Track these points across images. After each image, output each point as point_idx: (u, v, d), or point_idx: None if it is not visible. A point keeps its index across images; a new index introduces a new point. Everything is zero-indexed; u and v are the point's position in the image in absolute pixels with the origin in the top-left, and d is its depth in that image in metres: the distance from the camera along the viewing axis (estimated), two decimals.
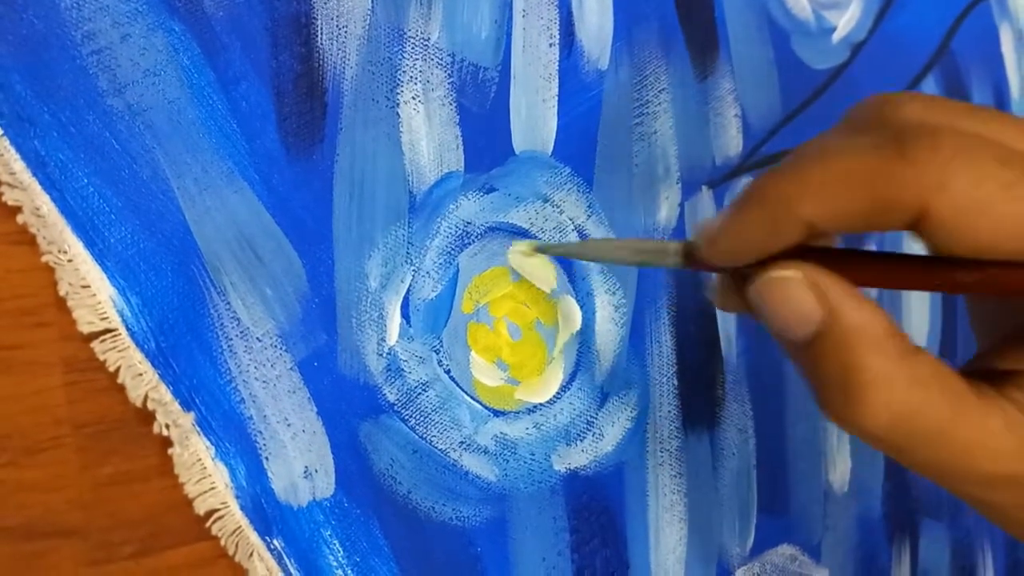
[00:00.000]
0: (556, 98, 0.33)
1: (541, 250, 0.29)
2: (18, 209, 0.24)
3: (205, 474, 0.26)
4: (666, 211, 0.35)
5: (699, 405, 0.35)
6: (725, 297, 0.25)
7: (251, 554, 0.26)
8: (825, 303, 0.21)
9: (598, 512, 0.32)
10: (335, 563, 0.28)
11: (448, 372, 0.30)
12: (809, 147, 0.22)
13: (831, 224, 0.21)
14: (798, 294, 0.21)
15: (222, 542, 0.26)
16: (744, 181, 0.37)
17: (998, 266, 0.20)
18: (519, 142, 0.32)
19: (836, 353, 0.21)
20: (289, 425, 0.27)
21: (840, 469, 0.38)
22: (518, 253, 0.30)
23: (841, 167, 0.20)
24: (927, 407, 0.21)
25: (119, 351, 0.25)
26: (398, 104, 0.29)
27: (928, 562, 0.41)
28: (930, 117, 0.21)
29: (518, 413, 0.31)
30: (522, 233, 0.32)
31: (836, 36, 0.41)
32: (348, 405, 0.28)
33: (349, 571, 0.28)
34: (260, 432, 0.27)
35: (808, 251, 0.22)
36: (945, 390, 0.21)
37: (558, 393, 0.32)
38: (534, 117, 0.32)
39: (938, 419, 0.21)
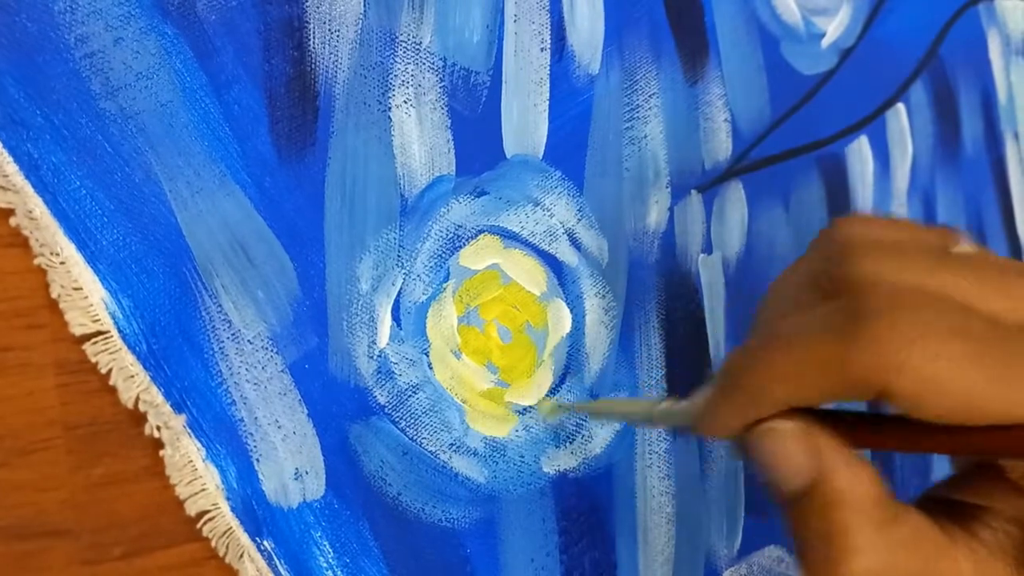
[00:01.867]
0: (547, 102, 0.33)
1: (561, 408, 0.32)
2: (11, 212, 0.25)
3: (196, 475, 0.26)
4: (656, 215, 0.35)
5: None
6: (734, 450, 0.25)
7: (241, 555, 0.27)
8: (817, 460, 0.22)
9: (587, 513, 0.32)
10: (325, 564, 0.28)
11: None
12: (777, 322, 0.23)
13: (806, 403, 0.22)
14: (791, 447, 0.22)
15: (213, 543, 0.26)
16: (733, 185, 0.37)
17: (971, 432, 0.21)
18: (510, 146, 0.32)
19: (822, 513, 0.22)
20: (280, 427, 0.27)
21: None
22: (545, 409, 0.32)
23: (803, 352, 0.21)
24: (904, 570, 0.21)
25: (111, 353, 0.25)
26: (390, 108, 0.30)
27: None
28: (889, 276, 0.22)
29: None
30: (512, 236, 0.32)
31: (825, 42, 0.41)
32: (339, 407, 0.28)
33: (339, 572, 0.28)
34: (251, 434, 0.27)
35: (802, 409, 0.23)
36: (922, 551, 0.22)
37: (548, 395, 0.32)
38: (525, 121, 0.32)
39: (911, 574, 0.21)
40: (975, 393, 0.20)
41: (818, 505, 0.22)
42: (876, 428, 0.23)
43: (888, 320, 0.20)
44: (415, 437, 0.30)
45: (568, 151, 0.33)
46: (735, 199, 0.38)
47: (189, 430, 0.26)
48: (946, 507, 0.23)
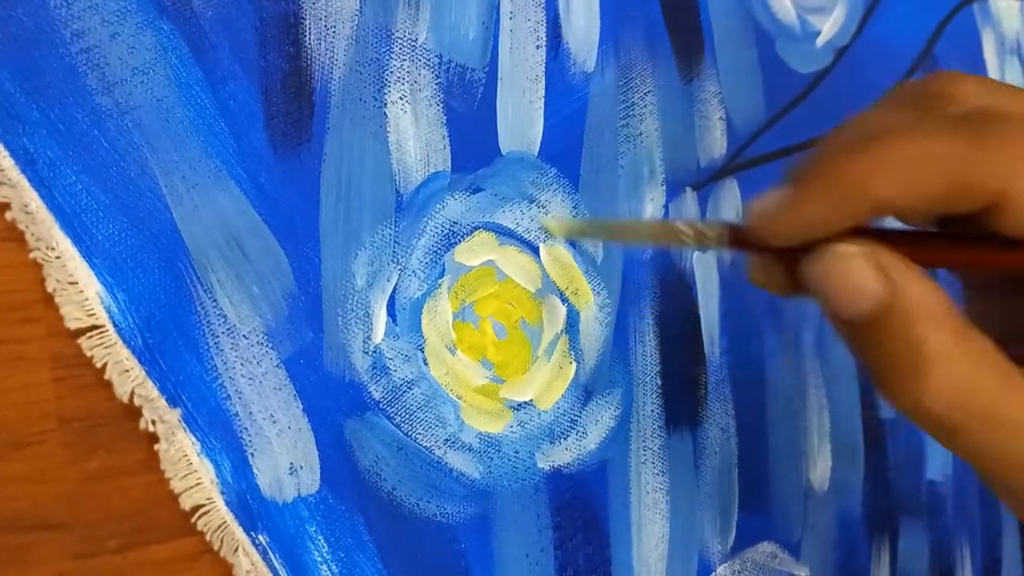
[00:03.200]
0: (543, 99, 0.33)
1: (574, 231, 0.28)
2: (6, 206, 0.25)
3: (191, 470, 0.26)
4: (651, 212, 0.35)
5: (682, 404, 0.35)
6: (769, 276, 0.24)
7: (236, 549, 0.27)
8: (888, 280, 0.21)
9: (581, 509, 0.33)
10: (320, 559, 0.28)
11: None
12: (873, 127, 0.21)
13: (903, 205, 0.21)
14: (860, 270, 0.21)
15: (207, 537, 0.27)
16: (728, 183, 0.37)
17: None
18: (506, 143, 0.32)
19: (899, 330, 0.21)
20: (275, 422, 0.27)
21: (820, 468, 0.39)
22: (553, 228, 0.28)
23: (919, 149, 0.20)
24: (983, 386, 0.21)
25: (106, 347, 0.25)
26: (385, 104, 0.30)
27: (907, 561, 0.42)
28: (994, 100, 0.21)
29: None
30: (507, 233, 0.32)
31: (820, 40, 0.41)
32: (334, 402, 0.28)
33: (334, 567, 0.28)
34: (246, 429, 0.27)
35: (863, 232, 0.22)
36: (998, 369, 0.21)
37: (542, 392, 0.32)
38: (521, 118, 0.32)
39: (990, 398, 0.21)
40: None
41: (894, 323, 0.21)
42: (939, 243, 0.22)
43: (1002, 128, 0.20)
44: (410, 432, 0.30)
45: (563, 148, 0.33)
46: (730, 197, 0.38)
47: (184, 424, 0.26)
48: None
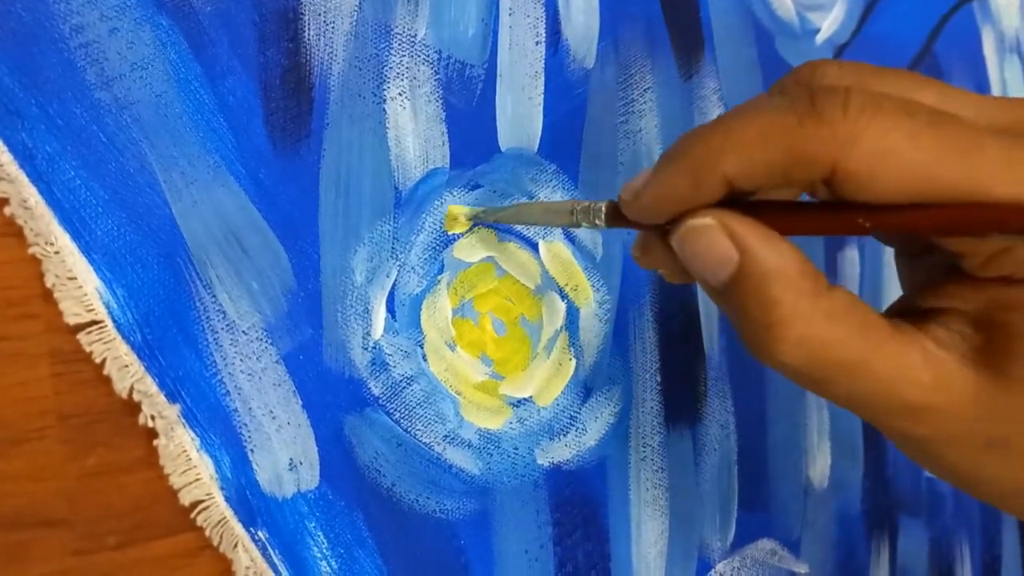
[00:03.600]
0: (542, 96, 0.33)
1: (474, 217, 0.30)
2: (5, 201, 0.25)
3: (190, 465, 0.26)
4: None
5: (681, 401, 0.35)
6: (646, 253, 0.26)
7: (235, 545, 0.27)
8: (740, 246, 0.22)
9: (580, 506, 0.32)
10: (319, 554, 0.28)
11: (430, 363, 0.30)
12: (733, 109, 0.23)
13: (750, 178, 0.22)
14: (714, 239, 0.22)
15: (207, 533, 0.27)
16: None
17: (906, 209, 0.21)
18: (505, 139, 0.32)
19: (752, 292, 0.22)
20: (274, 418, 0.27)
21: (820, 465, 0.39)
22: (454, 217, 0.31)
23: (759, 124, 0.21)
24: (843, 340, 0.22)
25: (105, 343, 0.25)
26: (384, 100, 0.30)
27: (906, 558, 0.42)
28: (842, 79, 0.23)
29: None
30: (506, 229, 0.32)
31: (820, 38, 0.41)
32: (333, 398, 0.28)
33: (333, 563, 0.28)
34: (245, 424, 0.27)
35: (726, 205, 0.23)
36: (861, 324, 0.22)
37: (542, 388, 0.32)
38: (520, 115, 0.32)
39: (855, 351, 0.22)
40: (926, 167, 0.20)
41: (748, 286, 0.22)
42: (792, 211, 0.23)
43: (841, 99, 0.21)
44: (409, 428, 0.30)
45: (563, 145, 0.33)
46: None
47: (183, 420, 0.26)
48: (905, 314, 0.24)
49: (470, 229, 0.31)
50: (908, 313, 0.24)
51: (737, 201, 0.23)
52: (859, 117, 0.20)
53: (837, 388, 0.22)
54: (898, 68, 0.24)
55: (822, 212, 0.23)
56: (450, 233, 0.31)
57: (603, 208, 0.26)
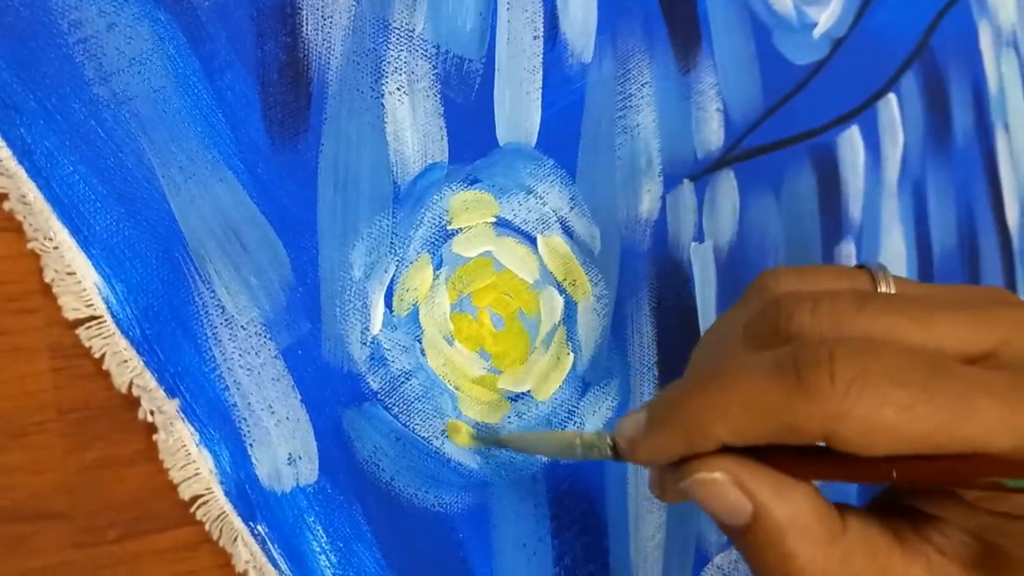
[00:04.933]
0: (540, 90, 0.33)
1: (477, 439, 0.31)
2: (4, 196, 0.25)
3: (189, 460, 0.26)
4: (648, 203, 0.35)
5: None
6: (663, 490, 0.25)
7: (235, 539, 0.27)
8: (751, 499, 0.22)
9: (578, 499, 0.33)
10: (318, 548, 0.28)
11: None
12: (716, 363, 0.24)
13: (743, 443, 0.22)
14: (724, 492, 0.23)
15: (206, 527, 0.27)
16: (725, 174, 0.38)
17: (907, 460, 0.21)
18: (503, 134, 0.32)
19: (767, 544, 0.22)
20: (273, 412, 0.27)
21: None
22: (455, 434, 0.31)
23: (744, 396, 0.22)
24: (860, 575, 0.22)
25: (104, 338, 0.25)
26: (383, 95, 0.30)
27: None
28: (823, 326, 0.22)
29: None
30: (505, 224, 0.32)
31: (817, 32, 0.41)
32: (332, 393, 0.29)
33: (332, 556, 0.28)
34: (244, 419, 0.27)
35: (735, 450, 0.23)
36: (873, 559, 0.23)
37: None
38: (518, 109, 0.32)
39: None
40: (922, 434, 0.20)
41: (762, 538, 0.22)
42: (805, 459, 0.23)
43: (828, 370, 0.21)
44: (408, 423, 0.30)
45: (561, 139, 0.33)
46: (727, 188, 0.38)
47: (182, 415, 0.26)
48: (900, 511, 0.24)
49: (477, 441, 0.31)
50: (907, 512, 0.24)
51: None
52: (848, 391, 0.20)
53: None
54: (868, 292, 0.24)
55: (836, 460, 0.22)
56: (449, 438, 0.31)
57: (608, 445, 0.26)
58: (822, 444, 0.22)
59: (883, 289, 0.25)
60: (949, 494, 0.24)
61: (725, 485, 0.23)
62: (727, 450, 0.23)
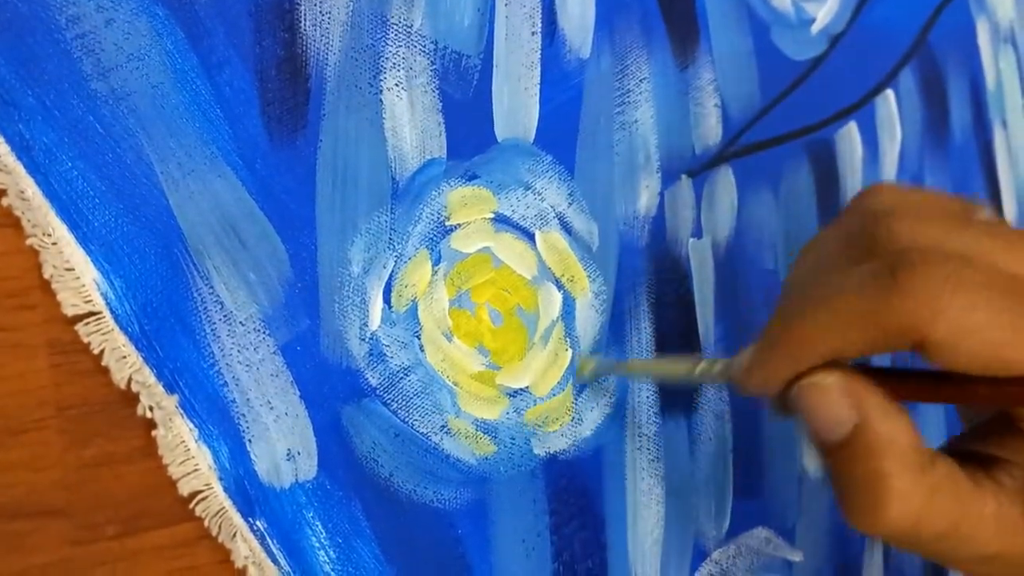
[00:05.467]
0: (538, 86, 0.33)
1: (597, 371, 0.33)
2: (3, 192, 0.25)
3: (188, 456, 0.26)
4: (646, 199, 0.35)
5: (677, 391, 0.35)
6: (777, 412, 0.26)
7: (234, 535, 0.27)
8: (857, 410, 0.23)
9: (577, 495, 0.33)
10: (317, 544, 0.28)
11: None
12: (814, 280, 0.24)
13: (845, 355, 0.23)
14: (834, 400, 0.23)
15: (205, 523, 0.27)
16: (723, 170, 0.38)
17: (1004, 384, 0.22)
18: (501, 130, 0.32)
19: (864, 460, 0.23)
20: (272, 408, 0.27)
21: (814, 454, 0.39)
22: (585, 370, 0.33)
23: (845, 310, 0.23)
24: (939, 514, 0.23)
25: (103, 334, 0.25)
26: (381, 91, 0.30)
27: None
28: (921, 237, 0.23)
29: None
30: (503, 220, 0.32)
31: (815, 27, 0.42)
32: (330, 389, 0.29)
33: (331, 552, 0.28)
34: (243, 415, 0.27)
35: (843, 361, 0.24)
36: (955, 494, 0.23)
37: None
38: (516, 105, 0.32)
39: (947, 520, 0.23)
40: (1006, 342, 0.21)
41: (860, 453, 0.23)
42: (905, 380, 0.24)
43: (923, 273, 0.21)
44: (407, 419, 0.30)
45: (559, 135, 0.33)
46: (725, 184, 0.38)
47: (181, 411, 0.26)
48: (967, 456, 0.25)
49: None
50: (973, 457, 0.25)
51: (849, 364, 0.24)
52: (942, 292, 0.21)
53: (924, 551, 0.24)
54: (979, 218, 0.25)
55: (930, 382, 0.24)
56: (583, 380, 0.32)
57: (722, 370, 0.28)
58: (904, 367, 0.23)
59: (982, 216, 0.26)
60: (1012, 434, 0.24)
61: (835, 391, 0.23)
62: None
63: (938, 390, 0.24)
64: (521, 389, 0.32)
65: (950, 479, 0.23)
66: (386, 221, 0.30)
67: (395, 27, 0.30)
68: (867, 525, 0.23)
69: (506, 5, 0.32)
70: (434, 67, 0.31)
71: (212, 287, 0.27)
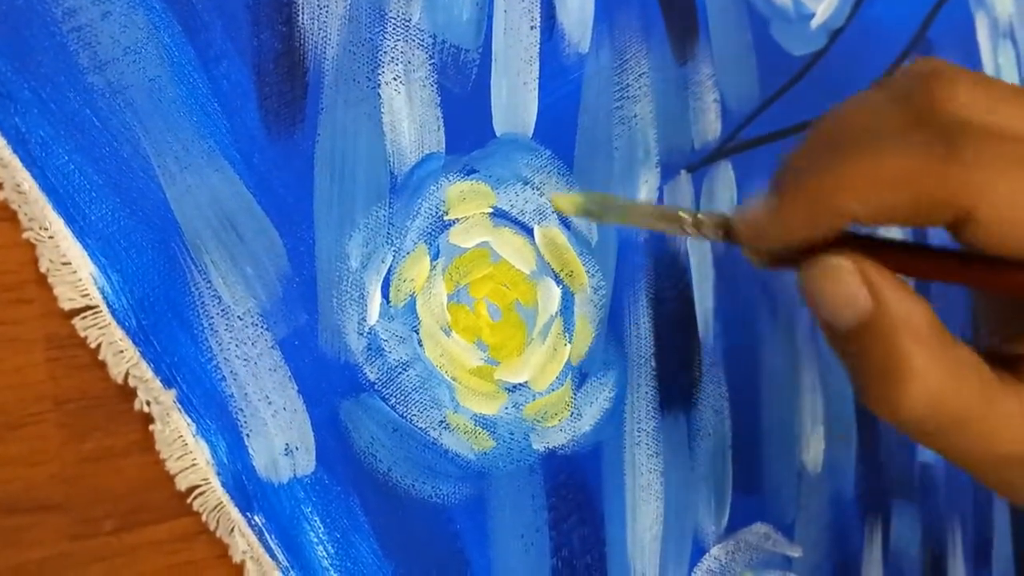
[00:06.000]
0: (537, 81, 0.33)
1: (589, 204, 0.28)
2: None
3: (186, 451, 0.26)
4: (645, 194, 0.35)
5: (676, 386, 0.35)
6: (762, 260, 0.25)
7: (232, 530, 0.27)
8: (874, 292, 0.22)
9: (576, 490, 0.33)
10: (315, 539, 0.28)
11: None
12: (853, 130, 0.22)
13: (872, 219, 0.21)
14: (848, 282, 0.22)
15: (203, 518, 0.27)
16: (722, 165, 0.37)
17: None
18: (500, 124, 0.32)
19: (881, 342, 0.22)
20: (270, 403, 0.27)
21: (814, 450, 0.39)
22: (561, 205, 0.28)
23: (889, 167, 0.21)
24: (961, 397, 0.22)
25: (100, 328, 0.25)
26: (379, 85, 0.30)
27: (899, 541, 0.42)
28: (979, 111, 0.22)
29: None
30: (502, 214, 0.32)
31: (814, 22, 0.41)
32: (329, 384, 0.28)
33: (329, 547, 0.28)
34: (241, 409, 0.27)
35: (852, 239, 0.23)
36: (978, 380, 0.22)
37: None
38: (515, 99, 0.32)
39: (968, 407, 0.22)
40: None
41: (877, 335, 0.22)
42: (925, 256, 0.23)
43: (978, 145, 0.20)
44: (405, 414, 0.30)
45: (558, 130, 0.33)
46: (724, 179, 0.38)
47: (179, 405, 0.26)
48: (990, 357, 0.23)
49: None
50: (1002, 359, 0.23)
51: (862, 237, 0.23)
52: (994, 166, 0.20)
53: (941, 441, 0.22)
54: None
55: (953, 261, 0.22)
56: (562, 213, 0.29)
57: (720, 226, 0.25)
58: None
59: None
60: None
61: (849, 273, 0.22)
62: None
63: (965, 270, 0.22)
64: (520, 384, 0.32)
65: (973, 366, 0.22)
66: (384, 216, 0.30)
67: (393, 21, 0.30)
68: (888, 407, 0.22)
69: None
70: (432, 61, 0.31)
71: (210, 281, 0.27)
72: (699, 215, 0.25)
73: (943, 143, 0.20)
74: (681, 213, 0.25)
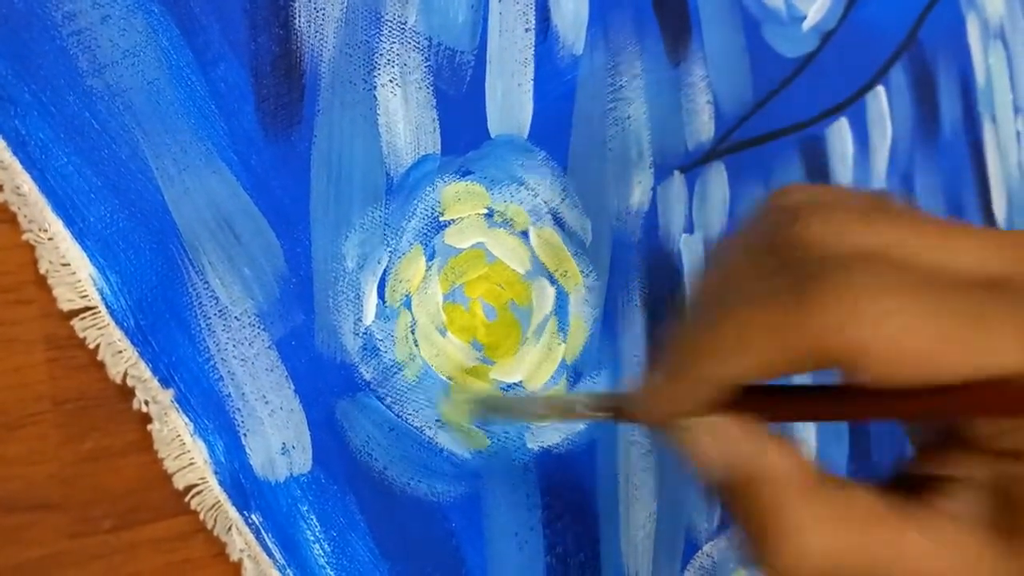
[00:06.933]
0: (531, 82, 0.33)
1: (478, 408, 0.30)
2: None
3: (184, 450, 0.26)
4: (639, 195, 0.35)
5: None
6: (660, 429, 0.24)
7: (229, 528, 0.27)
8: (737, 448, 0.22)
9: (570, 489, 0.33)
10: (312, 537, 0.28)
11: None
12: (720, 293, 0.22)
13: (755, 378, 0.21)
14: (711, 444, 0.22)
15: (201, 516, 0.27)
16: (715, 166, 0.38)
17: (924, 394, 0.20)
18: (495, 126, 0.32)
19: (755, 499, 0.21)
20: (267, 402, 0.28)
21: (805, 448, 0.39)
22: (455, 404, 0.31)
23: (756, 323, 0.20)
24: (845, 542, 0.21)
25: (99, 329, 0.26)
26: (375, 87, 0.30)
27: None
28: (832, 239, 0.21)
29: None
30: (500, 214, 0.32)
31: (806, 24, 0.42)
32: (325, 383, 0.29)
33: (326, 545, 0.28)
34: (238, 409, 0.27)
35: (746, 390, 0.22)
36: (863, 521, 0.21)
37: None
38: (510, 101, 0.33)
39: (857, 551, 0.21)
40: (933, 349, 0.19)
41: (751, 491, 0.21)
42: (816, 397, 0.22)
43: (835, 280, 0.19)
44: (401, 413, 0.30)
45: (552, 131, 0.34)
46: (717, 180, 0.38)
47: (177, 405, 0.26)
48: (911, 485, 0.23)
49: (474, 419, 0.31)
50: (915, 480, 0.23)
51: (758, 387, 0.22)
52: (855, 306, 0.19)
53: None
54: (881, 204, 0.22)
55: (833, 397, 0.22)
56: (445, 419, 0.30)
57: (613, 409, 0.25)
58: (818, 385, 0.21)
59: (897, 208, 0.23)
60: (960, 448, 0.22)
61: (710, 437, 0.22)
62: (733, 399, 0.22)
63: (854, 405, 0.22)
64: (515, 383, 0.32)
65: (862, 507, 0.21)
66: (380, 217, 0.30)
67: (389, 23, 0.30)
68: (771, 564, 0.21)
69: (499, 1, 0.32)
70: (428, 63, 0.31)
71: (207, 282, 0.27)
72: (596, 397, 0.26)
73: (801, 286, 0.20)
74: (577, 400, 0.26)
